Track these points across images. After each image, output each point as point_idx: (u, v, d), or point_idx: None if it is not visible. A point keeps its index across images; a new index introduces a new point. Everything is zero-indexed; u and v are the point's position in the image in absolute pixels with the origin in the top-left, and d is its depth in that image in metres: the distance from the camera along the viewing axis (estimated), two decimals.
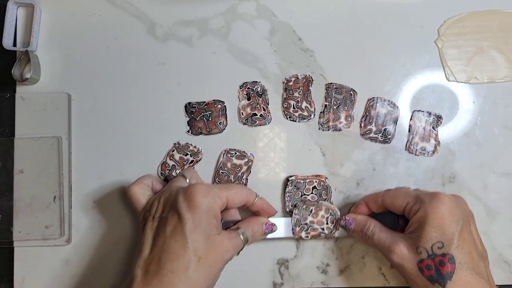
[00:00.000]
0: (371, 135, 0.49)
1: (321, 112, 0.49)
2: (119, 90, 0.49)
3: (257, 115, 0.49)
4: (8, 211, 0.47)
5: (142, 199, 0.43)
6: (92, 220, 0.48)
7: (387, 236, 0.42)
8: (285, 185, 0.48)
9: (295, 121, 0.49)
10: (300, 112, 0.49)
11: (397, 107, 0.49)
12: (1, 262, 0.48)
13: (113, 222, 0.48)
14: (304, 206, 0.46)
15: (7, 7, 0.48)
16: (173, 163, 0.48)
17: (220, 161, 0.48)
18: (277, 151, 0.49)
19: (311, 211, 0.46)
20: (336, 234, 0.46)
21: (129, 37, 0.49)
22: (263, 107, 0.49)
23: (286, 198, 0.48)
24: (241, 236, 0.42)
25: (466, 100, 0.49)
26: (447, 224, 0.39)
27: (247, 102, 0.49)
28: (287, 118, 0.49)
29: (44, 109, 0.48)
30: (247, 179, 0.48)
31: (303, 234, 0.46)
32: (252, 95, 0.49)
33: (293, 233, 0.46)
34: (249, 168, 0.48)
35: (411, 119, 0.49)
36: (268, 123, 0.49)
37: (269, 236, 0.45)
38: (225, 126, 0.49)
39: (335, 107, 0.49)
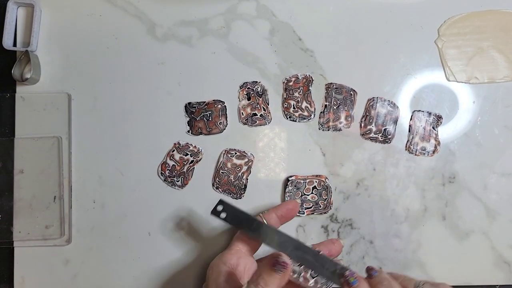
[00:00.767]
0: (371, 135, 0.49)
1: (321, 112, 0.49)
2: (119, 90, 0.49)
3: (257, 115, 0.49)
4: (8, 211, 0.47)
5: None
6: (92, 220, 0.48)
7: None
8: (285, 185, 0.48)
9: (295, 121, 0.49)
10: (300, 112, 0.49)
11: (397, 107, 0.49)
12: (1, 262, 0.48)
13: (113, 222, 0.48)
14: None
15: (7, 7, 0.48)
16: (173, 163, 0.48)
17: (220, 161, 0.48)
18: (277, 151, 0.49)
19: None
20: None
21: (129, 37, 0.49)
22: (263, 107, 0.49)
23: (286, 198, 0.48)
24: None
25: (466, 100, 0.49)
26: None
27: (247, 102, 0.49)
28: (287, 118, 0.49)
29: (44, 109, 0.48)
30: (247, 179, 0.48)
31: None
32: (252, 95, 0.49)
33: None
34: (249, 168, 0.48)
35: (411, 119, 0.49)
36: (268, 123, 0.49)
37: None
38: (225, 126, 0.49)
39: (335, 107, 0.49)
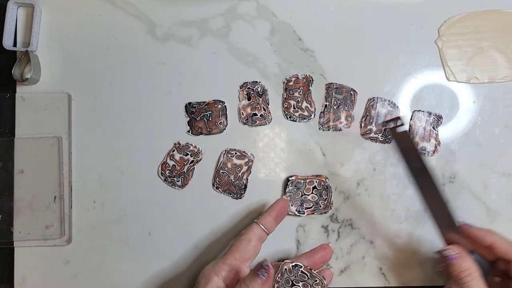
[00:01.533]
0: (371, 135, 0.49)
1: (321, 112, 0.49)
2: (119, 90, 0.49)
3: (257, 115, 0.49)
4: (8, 211, 0.47)
5: None
6: (92, 220, 0.48)
7: None
8: (285, 185, 0.48)
9: (296, 121, 0.49)
10: (301, 112, 0.49)
11: (397, 107, 0.49)
12: (1, 262, 0.48)
13: (113, 222, 0.48)
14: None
15: (7, 7, 0.48)
16: (173, 163, 0.48)
17: (220, 161, 0.48)
18: (277, 151, 0.49)
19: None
20: None
21: (129, 37, 0.49)
22: (263, 107, 0.49)
23: (286, 198, 0.48)
24: None
25: (466, 100, 0.49)
26: None
27: (248, 102, 0.49)
28: (288, 118, 0.49)
29: (44, 109, 0.48)
30: (247, 179, 0.48)
31: None
32: (253, 95, 0.49)
33: None
34: (249, 168, 0.48)
35: (411, 119, 0.49)
36: (269, 123, 0.49)
37: None
38: (226, 126, 0.49)
39: (335, 107, 0.49)
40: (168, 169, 0.48)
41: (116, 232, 0.48)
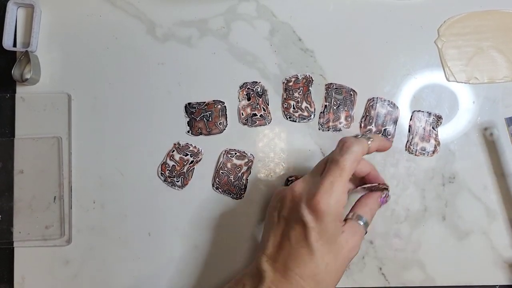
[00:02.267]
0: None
1: (321, 113, 0.49)
2: (119, 90, 0.49)
3: (257, 115, 0.49)
4: (8, 211, 0.47)
5: None
6: (92, 220, 0.48)
7: None
8: (285, 185, 0.48)
9: (295, 121, 0.49)
10: (300, 112, 0.49)
11: (397, 107, 0.49)
12: (1, 262, 0.48)
13: (113, 222, 0.48)
14: None
15: (7, 8, 0.48)
16: (173, 163, 0.48)
17: (220, 161, 0.48)
18: (277, 152, 0.49)
19: None
20: None
21: (129, 37, 0.49)
22: (263, 107, 0.49)
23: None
24: (363, 224, 0.40)
25: (466, 100, 0.49)
26: None
27: (247, 102, 0.49)
28: (287, 119, 0.49)
29: (44, 110, 0.48)
30: (247, 179, 0.48)
31: None
32: (252, 95, 0.49)
33: None
34: (249, 168, 0.48)
35: (411, 119, 0.49)
36: (268, 123, 0.49)
37: None
38: (225, 127, 0.49)
39: (335, 107, 0.49)
40: (168, 169, 0.48)
41: (116, 232, 0.48)
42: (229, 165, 0.48)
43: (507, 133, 0.47)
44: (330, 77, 0.49)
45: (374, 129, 0.49)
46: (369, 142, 0.40)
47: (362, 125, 0.49)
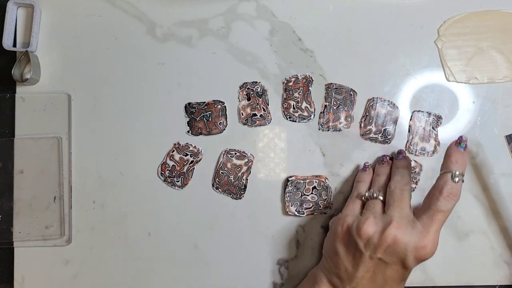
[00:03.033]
0: (371, 135, 0.49)
1: (321, 113, 0.49)
2: (119, 90, 0.49)
3: (257, 115, 0.49)
4: (8, 211, 0.47)
5: (357, 207, 0.45)
6: (92, 220, 0.48)
7: None
8: (285, 185, 0.48)
9: (295, 121, 0.49)
10: (300, 112, 0.49)
11: (397, 107, 0.49)
12: (1, 262, 0.48)
13: (113, 222, 0.48)
14: None
15: (7, 8, 0.48)
16: (173, 163, 0.48)
17: (220, 162, 0.48)
18: (277, 152, 0.49)
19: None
20: None
21: (129, 37, 0.49)
22: (263, 107, 0.49)
23: (286, 199, 0.48)
24: (458, 180, 0.41)
25: (466, 100, 0.49)
26: None
27: (247, 102, 0.49)
28: (287, 119, 0.49)
29: (44, 109, 0.48)
30: (247, 179, 0.48)
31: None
32: (252, 95, 0.49)
33: None
34: (249, 168, 0.48)
35: (411, 120, 0.49)
36: (268, 123, 0.49)
37: None
38: (225, 127, 0.49)
39: (335, 108, 0.49)
40: (168, 170, 0.48)
41: (116, 232, 0.48)
42: (229, 165, 0.48)
43: (507, 133, 0.48)
44: (330, 77, 0.49)
45: (374, 129, 0.49)
46: (462, 178, 0.41)
47: (362, 125, 0.49)
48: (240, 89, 0.49)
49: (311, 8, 0.50)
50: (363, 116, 0.49)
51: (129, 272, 0.48)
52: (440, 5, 0.49)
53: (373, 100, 0.49)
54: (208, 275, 0.48)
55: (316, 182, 0.48)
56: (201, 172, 0.48)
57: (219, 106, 0.49)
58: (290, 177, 0.48)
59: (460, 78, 0.49)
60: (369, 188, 0.45)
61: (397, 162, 0.46)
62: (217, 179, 0.48)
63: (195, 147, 0.49)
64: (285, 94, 0.49)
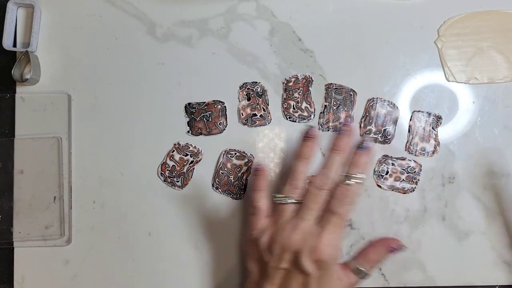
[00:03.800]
0: (371, 135, 0.49)
1: (321, 113, 0.49)
2: (119, 90, 0.49)
3: (257, 115, 0.49)
4: (8, 211, 0.47)
5: (261, 224, 0.42)
6: (92, 220, 0.48)
7: None
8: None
9: (295, 121, 0.49)
10: (300, 112, 0.49)
11: (397, 107, 0.49)
12: (1, 262, 0.48)
13: (113, 222, 0.48)
14: None
15: (7, 8, 0.48)
16: (173, 163, 0.48)
17: (220, 162, 0.48)
18: (277, 152, 0.49)
19: None
20: None
21: (129, 37, 0.49)
22: (263, 107, 0.49)
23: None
24: (361, 278, 0.44)
25: (466, 101, 0.49)
26: None
27: (247, 102, 0.49)
28: (287, 119, 0.49)
29: (44, 110, 0.48)
30: (247, 179, 0.48)
31: None
32: (252, 95, 0.49)
33: None
34: (249, 168, 0.48)
35: (410, 120, 0.49)
36: (268, 123, 0.49)
37: None
38: (225, 127, 0.49)
39: (335, 108, 0.49)
40: (168, 170, 0.48)
41: (116, 232, 0.48)
42: (229, 165, 0.48)
43: (507, 133, 0.48)
44: (330, 77, 0.49)
45: (374, 129, 0.49)
46: (361, 181, 0.42)
47: (362, 125, 0.49)
48: (240, 89, 0.49)
49: (311, 8, 0.50)
50: (363, 116, 0.49)
51: (129, 272, 0.48)
52: (440, 5, 0.49)
53: (373, 100, 0.49)
54: (208, 275, 0.48)
55: None
56: (201, 172, 0.48)
57: (219, 106, 0.49)
58: None
59: (460, 78, 0.49)
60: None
61: (335, 141, 0.43)
62: (217, 179, 0.48)
63: (195, 147, 0.49)
64: (285, 94, 0.49)
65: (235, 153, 0.48)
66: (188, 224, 0.48)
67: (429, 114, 0.49)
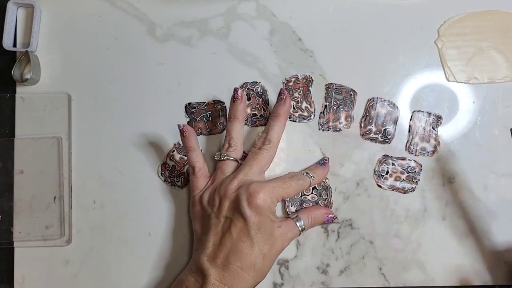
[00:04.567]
0: (371, 135, 0.49)
1: (321, 113, 0.49)
2: (119, 90, 0.49)
3: (257, 115, 0.49)
4: (8, 211, 0.47)
5: (202, 183, 0.46)
6: (92, 220, 0.48)
7: None
8: None
9: (295, 121, 0.49)
10: (300, 112, 0.49)
11: (397, 107, 0.49)
12: (1, 262, 0.48)
13: (113, 222, 0.48)
14: None
15: (7, 8, 0.48)
16: (173, 163, 0.48)
17: None
18: (277, 152, 0.49)
19: None
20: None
21: (129, 37, 0.49)
22: (263, 107, 0.49)
23: (286, 198, 0.48)
24: (299, 227, 0.45)
25: (466, 100, 0.49)
26: None
27: (247, 102, 0.49)
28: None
29: (44, 109, 0.48)
30: None
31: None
32: (252, 95, 0.49)
33: None
34: None
35: (411, 120, 0.49)
36: None
37: None
38: (225, 127, 0.49)
39: (335, 108, 0.49)
40: (168, 170, 0.48)
41: (116, 232, 0.48)
42: None
43: (507, 133, 0.48)
44: (330, 77, 0.49)
45: (374, 129, 0.49)
46: (311, 180, 0.46)
47: (362, 125, 0.49)
48: (240, 89, 0.49)
49: (311, 8, 0.50)
50: (363, 116, 0.49)
51: (129, 272, 0.48)
52: (440, 5, 0.49)
53: (373, 100, 0.49)
54: None
55: None
56: None
57: (219, 106, 0.49)
58: None
59: (460, 78, 0.49)
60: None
61: (274, 109, 0.46)
62: None
63: None
64: None
65: None
66: (188, 224, 0.48)
67: (429, 114, 0.49)
